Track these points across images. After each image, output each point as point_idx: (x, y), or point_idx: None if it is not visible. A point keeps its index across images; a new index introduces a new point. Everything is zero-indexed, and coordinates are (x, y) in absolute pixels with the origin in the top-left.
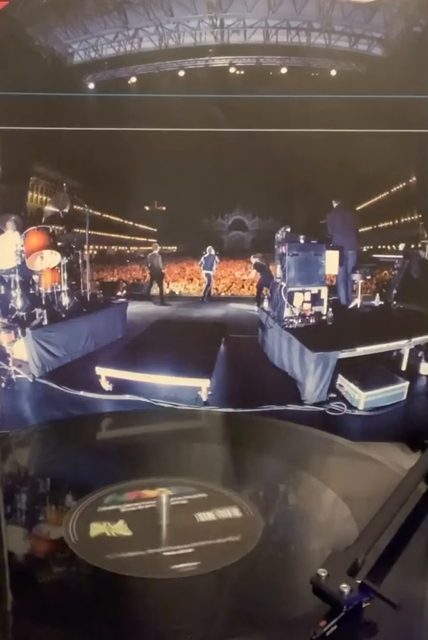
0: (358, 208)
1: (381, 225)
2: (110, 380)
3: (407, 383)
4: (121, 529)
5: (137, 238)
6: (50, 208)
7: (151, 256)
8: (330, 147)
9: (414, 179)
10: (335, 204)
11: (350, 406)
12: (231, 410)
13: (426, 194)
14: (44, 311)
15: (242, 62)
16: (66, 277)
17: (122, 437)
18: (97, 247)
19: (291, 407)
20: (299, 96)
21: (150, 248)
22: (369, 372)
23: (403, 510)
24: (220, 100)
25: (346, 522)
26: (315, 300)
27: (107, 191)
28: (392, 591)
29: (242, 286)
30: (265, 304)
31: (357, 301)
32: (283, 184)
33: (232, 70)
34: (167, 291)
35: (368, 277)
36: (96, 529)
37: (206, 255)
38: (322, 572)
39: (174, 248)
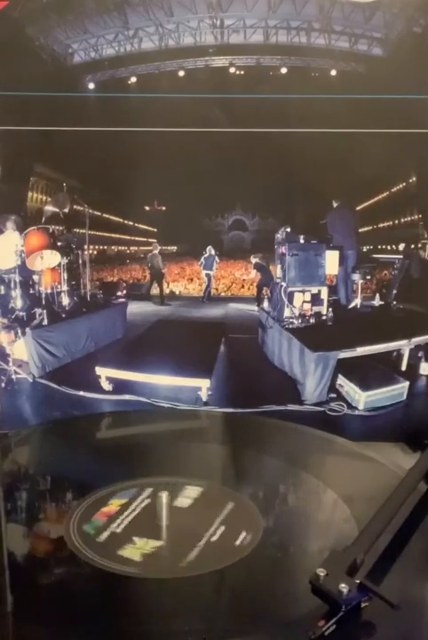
0: (358, 208)
1: (381, 225)
2: (110, 380)
3: (407, 383)
4: (149, 543)
5: (137, 238)
6: (50, 208)
7: (151, 256)
8: (330, 147)
9: (414, 179)
10: (335, 204)
11: (350, 406)
12: (231, 410)
13: (426, 194)
14: (44, 311)
15: (242, 62)
16: (66, 277)
17: (122, 437)
18: (97, 247)
19: (291, 407)
20: (299, 96)
21: (150, 248)
22: (369, 372)
23: (403, 510)
24: (220, 99)
25: (346, 522)
26: (315, 300)
27: (108, 191)
28: (392, 591)
29: (242, 286)
30: (265, 304)
31: (357, 301)
32: (283, 184)
33: (232, 70)
34: (167, 291)
35: (368, 277)
36: (131, 552)
37: (206, 255)
38: (321, 572)
39: (174, 248)
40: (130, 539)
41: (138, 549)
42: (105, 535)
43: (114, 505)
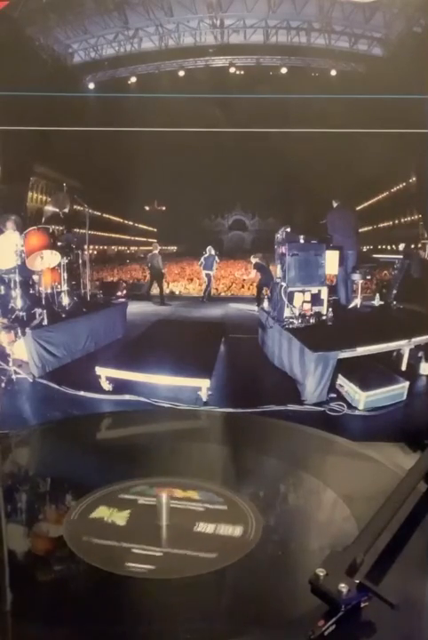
0: (358, 208)
1: (381, 225)
2: (110, 380)
3: (407, 383)
4: (120, 518)
5: (137, 238)
6: (50, 208)
7: (151, 256)
8: (330, 147)
9: (414, 179)
10: (335, 204)
11: (350, 406)
12: (231, 410)
13: (426, 194)
14: (44, 311)
15: (242, 62)
16: (66, 277)
17: (123, 437)
18: (97, 247)
19: (291, 407)
20: (299, 96)
21: (150, 248)
22: (369, 372)
23: (403, 510)
24: (220, 99)
25: (346, 522)
26: (315, 300)
27: (107, 191)
28: (391, 591)
29: (242, 286)
30: (265, 304)
31: (357, 301)
32: (283, 184)
33: (232, 70)
34: (167, 291)
35: (368, 277)
36: (100, 512)
37: (206, 255)
38: (321, 572)
39: (174, 248)
40: (126, 508)
41: (107, 513)
42: (129, 497)
43: (186, 492)
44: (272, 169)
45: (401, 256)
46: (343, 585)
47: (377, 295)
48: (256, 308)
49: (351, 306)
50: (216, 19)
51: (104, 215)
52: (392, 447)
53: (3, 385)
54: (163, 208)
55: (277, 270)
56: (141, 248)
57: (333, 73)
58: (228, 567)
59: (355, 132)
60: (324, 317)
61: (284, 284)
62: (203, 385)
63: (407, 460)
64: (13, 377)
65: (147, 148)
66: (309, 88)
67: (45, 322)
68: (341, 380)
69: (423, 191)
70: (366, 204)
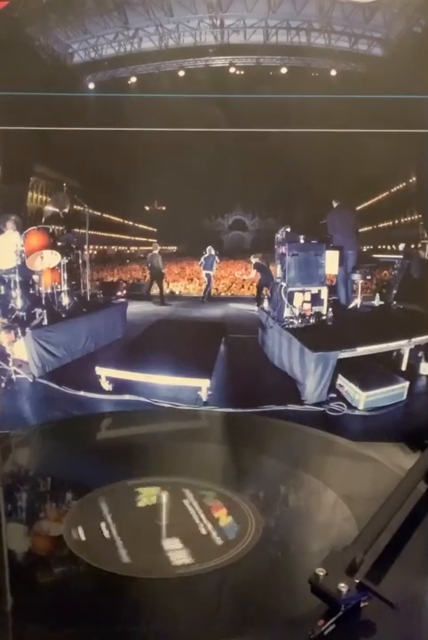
0: (358, 208)
1: (381, 225)
2: (110, 380)
3: (407, 383)
4: (148, 501)
5: (137, 238)
6: (50, 208)
7: (151, 256)
8: (330, 147)
9: (414, 179)
10: (335, 204)
11: (350, 406)
12: (231, 410)
13: (426, 194)
14: (44, 311)
15: (242, 62)
16: (66, 277)
17: (123, 437)
18: (97, 247)
19: (291, 407)
20: (299, 96)
21: (150, 248)
22: (369, 372)
23: (403, 510)
24: (220, 99)
25: (346, 522)
26: (315, 300)
27: (107, 191)
28: (391, 591)
29: (242, 286)
30: (265, 304)
31: (357, 301)
32: (283, 184)
33: (232, 70)
34: (167, 291)
35: (368, 277)
36: (145, 491)
37: (206, 255)
38: (321, 572)
39: (174, 248)
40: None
41: (147, 494)
42: (187, 492)
43: (225, 518)
44: (272, 169)
45: (401, 256)
46: (342, 585)
47: (377, 295)
48: (256, 307)
49: (351, 306)
50: (216, 19)
51: (104, 215)
52: (392, 447)
53: (3, 385)
54: (163, 208)
55: (277, 270)
56: (141, 248)
57: (333, 73)
58: (228, 567)
59: (355, 131)
60: (324, 317)
61: (284, 284)
62: (203, 385)
63: (407, 460)
64: (13, 377)
65: (147, 148)
66: (309, 88)
67: (45, 322)
68: (341, 379)
69: (423, 191)
70: (366, 204)
